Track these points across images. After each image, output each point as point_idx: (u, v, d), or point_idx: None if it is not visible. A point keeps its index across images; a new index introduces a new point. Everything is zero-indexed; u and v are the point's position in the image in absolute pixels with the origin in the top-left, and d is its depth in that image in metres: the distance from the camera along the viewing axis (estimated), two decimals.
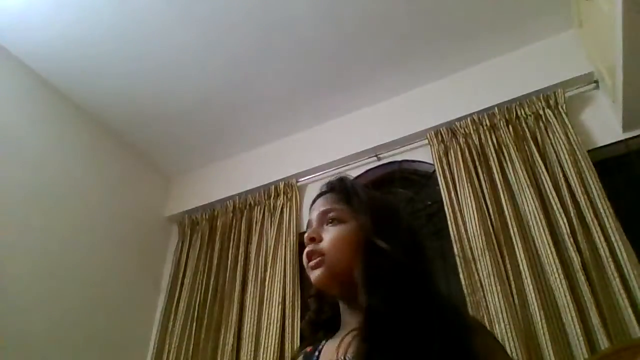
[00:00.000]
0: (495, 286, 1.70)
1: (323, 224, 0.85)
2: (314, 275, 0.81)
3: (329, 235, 0.83)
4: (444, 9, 2.07)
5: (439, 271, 1.86)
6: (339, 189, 0.91)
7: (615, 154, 1.91)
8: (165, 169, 2.98)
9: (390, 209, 0.91)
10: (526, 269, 1.69)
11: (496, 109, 2.13)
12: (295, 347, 2.03)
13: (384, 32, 2.17)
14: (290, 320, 2.10)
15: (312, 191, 2.55)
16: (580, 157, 1.83)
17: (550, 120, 1.98)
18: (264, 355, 2.04)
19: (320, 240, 0.83)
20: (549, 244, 1.69)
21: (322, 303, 0.90)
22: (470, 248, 1.84)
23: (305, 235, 0.85)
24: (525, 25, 2.15)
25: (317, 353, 0.82)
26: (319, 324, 0.90)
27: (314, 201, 0.93)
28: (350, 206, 0.85)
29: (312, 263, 0.81)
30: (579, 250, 1.64)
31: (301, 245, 2.30)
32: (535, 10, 2.08)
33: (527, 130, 2.03)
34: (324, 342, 0.84)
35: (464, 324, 0.72)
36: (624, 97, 1.70)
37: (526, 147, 1.99)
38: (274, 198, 2.53)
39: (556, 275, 1.62)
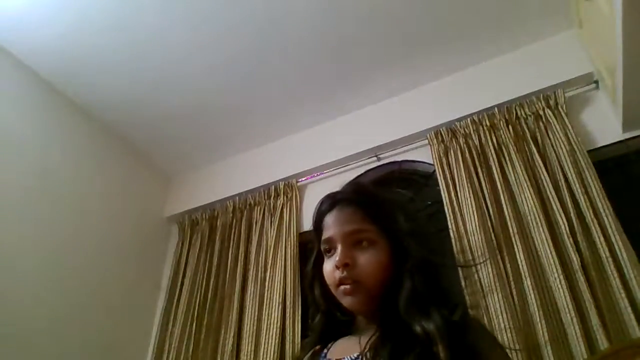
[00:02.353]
0: (495, 286, 1.70)
1: (352, 245, 0.84)
2: (349, 301, 0.82)
3: (364, 260, 0.82)
4: (444, 9, 2.07)
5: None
6: (364, 202, 0.88)
7: (615, 154, 1.91)
8: (165, 169, 2.98)
9: (413, 217, 0.91)
10: (526, 268, 1.69)
11: (496, 109, 2.13)
12: (295, 347, 2.03)
13: (384, 32, 2.17)
14: (290, 320, 2.10)
15: (312, 191, 2.55)
16: (580, 157, 1.83)
17: (550, 121, 1.98)
18: (264, 356, 2.04)
19: (354, 265, 0.82)
20: (548, 244, 1.69)
21: (332, 316, 0.90)
22: (470, 248, 1.84)
23: (338, 259, 0.82)
24: (525, 25, 2.15)
25: (325, 351, 0.85)
26: (325, 332, 0.91)
27: (331, 205, 0.91)
28: (378, 224, 0.85)
29: (346, 289, 0.81)
30: (578, 250, 1.64)
31: (301, 245, 2.33)
32: (535, 10, 2.08)
33: (527, 130, 2.03)
34: (331, 343, 0.87)
35: (470, 324, 0.78)
36: (624, 97, 1.70)
37: (526, 147, 1.99)
38: (274, 198, 2.53)
39: (556, 275, 1.62)
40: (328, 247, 0.87)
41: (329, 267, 0.85)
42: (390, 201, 0.92)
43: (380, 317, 0.80)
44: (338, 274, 0.82)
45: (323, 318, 0.91)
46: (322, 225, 0.91)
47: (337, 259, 0.82)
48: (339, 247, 0.84)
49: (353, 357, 0.78)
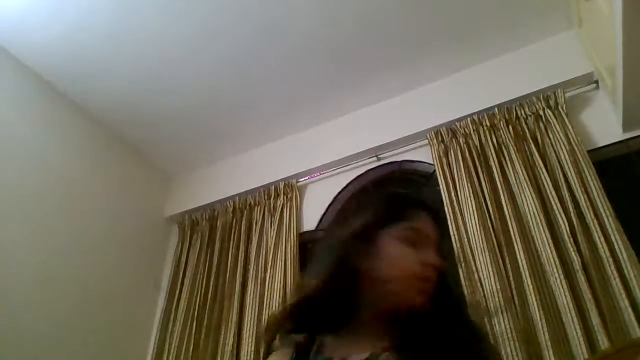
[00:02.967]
0: (495, 286, 1.70)
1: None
2: (420, 299, 0.79)
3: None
4: (444, 10, 2.07)
5: None
6: (440, 223, 0.93)
7: (615, 154, 1.91)
8: (165, 169, 2.98)
9: None
10: (526, 268, 1.69)
11: (496, 109, 2.13)
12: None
13: (384, 32, 2.17)
14: None
15: (312, 191, 2.55)
16: (580, 157, 1.83)
17: (550, 121, 1.98)
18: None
19: None
20: (549, 244, 1.69)
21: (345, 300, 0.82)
22: (470, 248, 1.84)
23: (438, 260, 0.82)
24: (525, 25, 2.15)
25: (317, 347, 0.80)
26: (314, 319, 0.83)
27: (433, 211, 0.92)
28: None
29: (428, 287, 0.80)
30: (579, 250, 1.64)
31: (301, 246, 2.33)
32: (535, 10, 2.08)
33: (527, 130, 2.03)
34: (320, 338, 0.82)
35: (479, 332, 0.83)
36: (624, 97, 1.70)
37: (526, 147, 1.99)
38: (274, 198, 2.53)
39: (556, 275, 1.62)
40: (415, 238, 0.83)
41: (413, 258, 0.81)
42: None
43: (405, 326, 0.79)
44: (427, 271, 0.80)
45: (332, 298, 0.81)
46: (408, 212, 0.87)
47: (437, 260, 0.82)
48: (432, 249, 0.84)
49: (364, 359, 0.74)
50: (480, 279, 1.75)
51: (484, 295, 1.71)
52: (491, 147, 2.05)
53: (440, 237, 0.89)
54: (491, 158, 2.02)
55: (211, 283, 2.41)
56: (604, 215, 1.66)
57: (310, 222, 2.45)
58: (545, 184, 1.84)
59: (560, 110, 1.99)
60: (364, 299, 0.81)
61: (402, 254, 0.82)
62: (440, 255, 0.84)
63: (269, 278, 2.25)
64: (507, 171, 1.96)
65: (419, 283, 0.79)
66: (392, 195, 0.97)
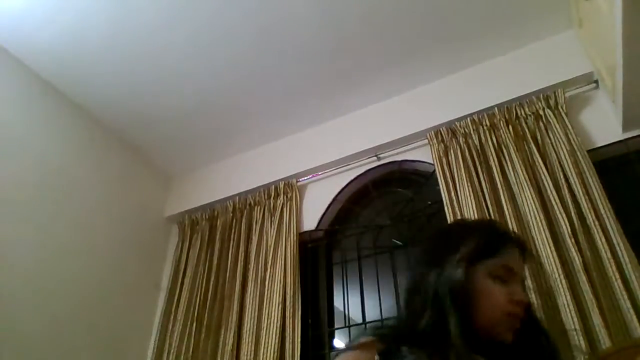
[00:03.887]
0: None
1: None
2: (509, 336, 0.86)
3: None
4: (444, 9, 2.07)
5: None
6: (525, 256, 0.98)
7: (615, 154, 1.91)
8: (165, 169, 2.98)
9: None
10: (526, 268, 1.69)
11: (496, 109, 2.13)
12: (295, 347, 2.03)
13: (383, 32, 2.17)
14: (290, 320, 2.10)
15: (312, 191, 2.55)
16: (580, 157, 1.82)
17: (550, 120, 1.98)
18: (264, 355, 2.04)
19: None
20: (549, 244, 1.69)
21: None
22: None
23: (525, 299, 0.90)
24: (525, 25, 2.15)
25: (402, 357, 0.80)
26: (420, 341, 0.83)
27: (523, 247, 0.97)
28: None
29: (516, 325, 0.87)
30: (579, 250, 1.64)
31: (301, 245, 2.33)
32: (535, 10, 2.08)
33: (527, 130, 2.03)
34: (408, 347, 0.81)
35: None
36: (624, 97, 1.70)
37: (526, 147, 1.99)
38: (274, 198, 2.53)
39: (556, 275, 1.62)
40: (504, 275, 0.89)
41: (504, 294, 0.86)
42: None
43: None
44: (516, 307, 0.86)
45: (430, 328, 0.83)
46: (500, 249, 0.91)
47: (522, 296, 0.89)
48: (520, 285, 0.91)
49: None
50: None
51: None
52: (491, 147, 2.05)
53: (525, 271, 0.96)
54: (491, 158, 2.02)
55: (211, 283, 2.41)
56: (604, 215, 1.66)
57: (310, 221, 2.45)
58: (545, 183, 1.84)
59: (560, 110, 1.99)
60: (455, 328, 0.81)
61: (494, 291, 0.86)
62: (525, 290, 0.91)
63: (269, 278, 2.25)
64: (507, 171, 1.96)
65: (509, 319, 0.85)
66: (489, 229, 0.98)
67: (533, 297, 1.62)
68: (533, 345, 0.88)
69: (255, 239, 2.44)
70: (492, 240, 0.93)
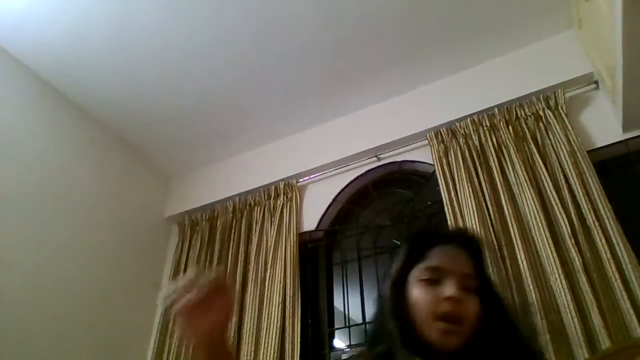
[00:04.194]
0: None
1: (462, 288, 0.82)
2: (449, 340, 0.79)
3: (470, 306, 0.82)
4: (444, 10, 2.07)
5: None
6: (477, 252, 0.91)
7: (615, 154, 1.91)
8: (165, 169, 2.98)
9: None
10: (526, 269, 1.69)
11: (496, 109, 2.13)
12: (295, 348, 2.03)
13: (383, 32, 2.17)
14: (290, 320, 2.10)
15: (312, 191, 2.55)
16: (580, 157, 1.83)
17: (550, 121, 1.98)
18: (264, 356, 2.04)
19: (462, 304, 0.81)
20: (549, 244, 1.69)
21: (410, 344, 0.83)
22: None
23: (454, 292, 0.80)
24: (525, 25, 2.15)
25: None
26: None
27: (447, 239, 0.91)
28: (479, 278, 0.87)
29: (449, 328, 0.79)
30: (579, 250, 1.64)
31: (301, 246, 2.33)
32: (535, 10, 2.08)
33: (527, 130, 2.03)
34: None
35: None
36: (624, 98, 1.70)
37: (526, 147, 1.99)
38: (274, 198, 2.53)
39: (556, 276, 1.62)
40: (430, 276, 0.84)
41: (428, 296, 0.82)
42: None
43: None
44: (444, 307, 0.79)
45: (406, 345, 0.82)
46: (425, 253, 0.88)
47: (451, 291, 0.80)
48: (451, 282, 0.82)
49: None
50: None
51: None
52: (491, 147, 2.05)
53: (474, 263, 0.87)
54: (491, 158, 2.02)
55: None
56: (604, 215, 1.66)
57: (310, 222, 2.45)
58: (545, 184, 1.84)
59: (560, 110, 1.99)
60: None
61: (420, 295, 0.83)
62: (465, 285, 0.82)
63: (269, 278, 2.25)
64: (507, 171, 1.96)
65: (438, 322, 0.79)
66: (414, 235, 0.97)
67: (533, 295, 1.62)
68: (498, 347, 0.80)
69: (255, 239, 2.44)
70: (418, 246, 0.91)
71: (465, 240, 0.93)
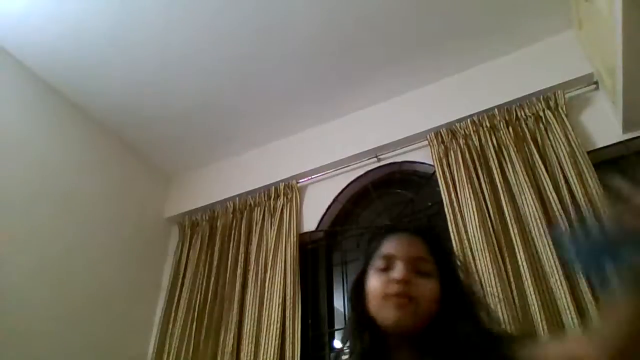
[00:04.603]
0: (495, 287, 1.70)
1: (412, 270, 0.86)
2: (397, 314, 0.82)
3: (422, 284, 0.84)
4: (444, 10, 2.07)
5: None
6: (429, 238, 0.93)
7: (615, 155, 1.91)
8: (165, 169, 2.98)
9: (456, 262, 0.97)
10: (526, 269, 1.69)
11: (496, 110, 2.14)
12: (295, 348, 2.03)
13: (384, 33, 2.17)
14: (290, 321, 2.10)
15: (312, 192, 2.55)
16: (580, 158, 1.83)
17: (550, 122, 1.98)
18: (264, 356, 2.04)
19: (412, 284, 0.84)
20: (549, 245, 1.69)
21: (373, 336, 0.88)
22: (471, 249, 1.84)
23: (400, 274, 0.84)
24: (525, 26, 2.15)
25: None
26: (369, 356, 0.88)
27: (398, 230, 0.96)
28: (436, 261, 0.89)
29: (399, 302, 0.82)
30: None
31: (301, 246, 2.33)
32: (535, 11, 2.09)
33: (527, 131, 2.03)
34: None
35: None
36: (624, 98, 1.70)
37: (526, 148, 1.99)
38: (274, 199, 2.53)
39: (557, 276, 1.62)
40: (384, 264, 0.88)
41: (380, 281, 0.86)
42: (449, 245, 0.98)
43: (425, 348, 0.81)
44: (393, 288, 0.83)
45: (369, 338, 0.88)
46: (380, 244, 0.93)
47: (397, 273, 0.84)
48: (400, 265, 0.86)
49: None
50: (480, 279, 1.75)
51: (485, 296, 1.70)
52: (491, 148, 2.05)
53: (429, 248, 0.90)
54: (491, 159, 2.02)
55: (211, 284, 2.41)
56: (604, 215, 1.66)
57: (310, 223, 2.45)
58: (545, 184, 1.84)
59: (560, 111, 1.99)
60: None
61: (373, 282, 0.88)
62: (417, 268, 0.86)
63: (269, 279, 2.25)
64: (507, 172, 1.96)
65: (388, 301, 0.83)
66: (372, 233, 1.05)
67: (533, 295, 1.61)
68: (456, 332, 0.81)
69: (255, 240, 2.44)
70: (374, 239, 0.97)
71: (419, 229, 0.97)
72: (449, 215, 1.96)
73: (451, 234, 1.91)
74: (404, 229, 0.97)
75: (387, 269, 0.87)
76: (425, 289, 0.84)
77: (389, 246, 0.91)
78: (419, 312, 0.82)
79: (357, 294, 0.91)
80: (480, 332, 0.83)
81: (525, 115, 2.08)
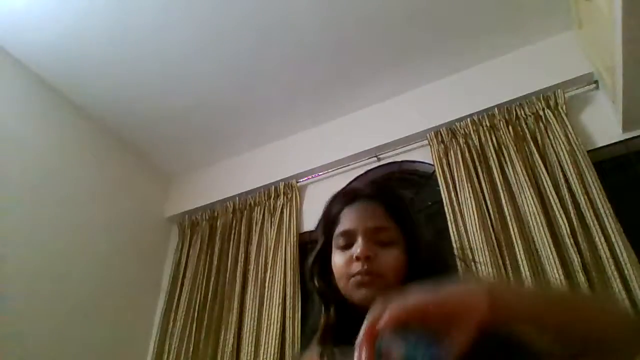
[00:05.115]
0: None
1: (373, 242, 0.81)
2: (363, 293, 0.77)
3: (386, 257, 0.80)
4: (444, 10, 2.07)
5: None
6: (386, 200, 0.87)
7: (615, 154, 1.91)
8: (165, 169, 2.98)
9: (420, 222, 0.90)
10: (526, 269, 1.69)
11: (496, 109, 2.14)
12: (295, 347, 2.03)
13: (384, 32, 2.17)
14: (290, 320, 2.10)
15: (312, 191, 2.55)
16: (580, 157, 1.83)
17: (550, 121, 1.98)
18: (264, 356, 2.04)
19: (375, 259, 0.79)
20: (549, 244, 1.69)
21: (342, 310, 0.83)
22: (470, 248, 1.84)
23: (360, 251, 0.79)
24: (525, 25, 2.15)
25: None
26: (335, 330, 0.83)
27: (351, 199, 0.88)
28: (399, 225, 0.83)
29: (363, 280, 0.78)
30: (579, 250, 1.64)
31: (301, 246, 2.33)
32: (535, 10, 2.09)
33: (527, 130, 2.03)
34: (336, 350, 0.80)
35: None
36: (624, 98, 1.70)
37: (526, 147, 1.99)
38: (274, 198, 2.53)
39: (556, 276, 1.62)
40: (344, 241, 0.83)
41: (343, 260, 0.81)
42: (409, 201, 0.90)
43: None
44: (356, 266, 0.79)
45: (336, 312, 0.82)
46: (337, 218, 0.87)
47: (357, 250, 0.79)
48: (360, 240, 0.80)
49: None
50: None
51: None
52: (491, 147, 2.05)
53: (388, 214, 0.84)
54: (491, 158, 2.02)
55: (211, 284, 2.41)
56: (604, 215, 1.66)
57: (310, 222, 2.45)
58: (545, 184, 1.85)
59: (560, 110, 1.99)
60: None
61: (337, 261, 0.83)
62: (378, 238, 0.80)
63: (269, 278, 2.25)
64: (507, 171, 1.96)
65: (352, 280, 0.79)
66: (327, 205, 0.93)
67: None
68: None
69: (255, 239, 2.44)
70: (331, 214, 0.90)
71: (373, 193, 0.89)
72: (449, 215, 1.97)
73: (451, 234, 1.92)
74: (357, 196, 0.89)
75: (347, 245, 0.82)
76: (389, 260, 0.79)
77: (347, 221, 0.85)
78: (387, 284, 0.77)
79: (321, 269, 0.86)
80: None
81: (525, 114, 2.08)
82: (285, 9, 2.05)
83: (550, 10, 2.08)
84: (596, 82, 2.01)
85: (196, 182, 2.93)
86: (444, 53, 2.28)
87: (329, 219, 0.89)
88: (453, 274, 0.86)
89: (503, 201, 1.88)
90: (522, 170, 1.90)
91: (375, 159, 2.41)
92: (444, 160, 2.13)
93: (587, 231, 1.68)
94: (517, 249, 1.75)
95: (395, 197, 0.90)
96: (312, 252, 0.91)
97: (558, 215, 1.74)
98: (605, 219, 1.65)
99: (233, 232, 2.55)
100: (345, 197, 0.90)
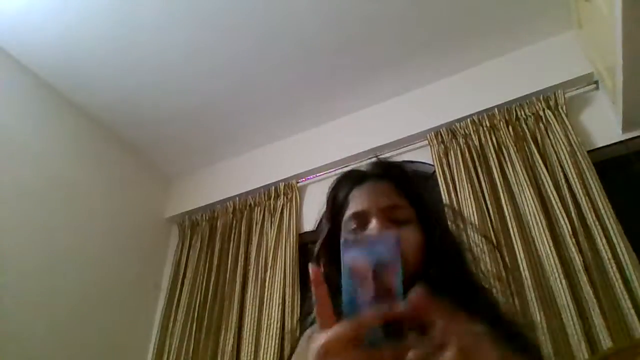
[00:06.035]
0: (496, 286, 1.69)
1: (387, 221, 0.75)
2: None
3: (407, 236, 0.73)
4: (444, 10, 2.07)
5: None
6: (400, 179, 0.82)
7: (615, 154, 1.91)
8: (165, 169, 2.98)
9: (438, 200, 0.86)
10: (526, 269, 1.69)
11: (496, 109, 2.13)
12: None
13: (384, 33, 2.17)
14: (290, 320, 2.10)
15: (312, 192, 2.55)
16: (580, 157, 1.83)
17: (550, 121, 1.98)
18: (264, 356, 2.04)
19: None
20: (549, 245, 1.69)
21: None
22: (470, 248, 1.83)
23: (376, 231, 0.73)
24: (525, 26, 2.15)
25: None
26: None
27: (360, 179, 0.83)
28: (412, 202, 0.79)
29: None
30: (579, 250, 1.64)
31: (301, 246, 2.33)
32: (535, 10, 2.09)
33: (527, 131, 2.03)
34: None
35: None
36: (624, 98, 1.70)
37: (526, 147, 1.99)
38: (274, 199, 2.53)
39: (556, 275, 1.62)
40: (356, 224, 0.77)
41: None
42: (423, 178, 0.86)
43: None
44: None
45: None
46: (346, 200, 0.82)
47: (372, 232, 0.73)
48: (374, 221, 0.74)
49: None
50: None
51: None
52: (491, 147, 2.05)
53: (400, 191, 0.79)
54: (491, 159, 2.02)
55: (211, 284, 2.41)
56: (604, 215, 1.66)
57: (310, 222, 2.45)
58: (545, 184, 1.85)
59: (560, 110, 1.99)
60: None
61: None
62: (393, 217, 0.75)
63: (269, 278, 2.25)
64: (507, 172, 1.96)
65: None
66: (334, 186, 0.89)
67: (533, 295, 1.61)
68: (445, 276, 0.71)
69: (255, 239, 2.44)
70: (336, 197, 0.85)
71: (381, 172, 0.85)
72: (449, 215, 1.96)
73: None
74: (366, 176, 0.84)
75: (360, 227, 0.76)
76: (410, 238, 0.73)
77: (357, 202, 0.79)
78: (406, 269, 0.74)
79: (330, 256, 0.80)
80: (468, 274, 0.77)
81: (525, 114, 2.07)
82: (286, 9, 2.05)
83: (550, 11, 2.08)
84: (596, 82, 2.01)
85: (196, 182, 2.93)
86: (444, 53, 2.28)
87: (335, 204, 0.84)
88: (469, 254, 0.83)
89: (503, 201, 1.88)
90: (522, 171, 1.90)
91: (375, 159, 2.41)
92: (444, 161, 2.13)
93: (588, 231, 1.68)
94: (517, 249, 1.75)
95: (405, 174, 0.85)
96: (319, 239, 0.86)
97: (559, 216, 1.74)
98: (606, 219, 1.65)
99: (233, 232, 2.55)
100: (353, 178, 0.86)
